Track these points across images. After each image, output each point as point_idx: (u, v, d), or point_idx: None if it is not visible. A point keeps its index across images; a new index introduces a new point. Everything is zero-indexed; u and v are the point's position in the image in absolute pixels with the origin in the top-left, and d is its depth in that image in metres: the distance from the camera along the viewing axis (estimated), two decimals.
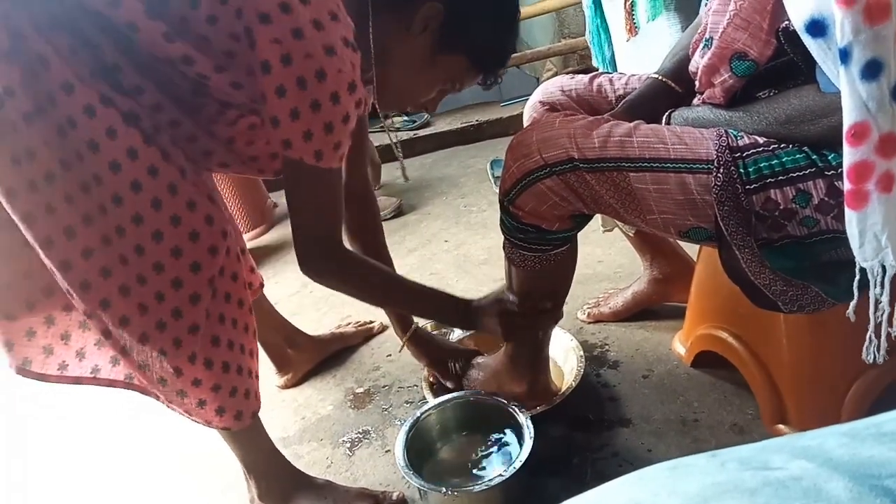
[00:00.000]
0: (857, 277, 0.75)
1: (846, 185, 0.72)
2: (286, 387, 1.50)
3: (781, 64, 0.85)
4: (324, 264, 0.98)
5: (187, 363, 0.91)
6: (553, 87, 1.24)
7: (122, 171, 0.82)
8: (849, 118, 0.69)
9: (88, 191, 0.81)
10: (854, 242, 0.74)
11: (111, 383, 0.96)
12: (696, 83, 0.96)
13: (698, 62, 0.94)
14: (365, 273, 1.05)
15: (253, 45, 0.80)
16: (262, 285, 1.42)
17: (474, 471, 1.10)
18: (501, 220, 1.02)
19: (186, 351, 0.90)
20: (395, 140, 1.23)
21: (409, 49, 0.96)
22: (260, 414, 1.42)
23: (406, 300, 1.14)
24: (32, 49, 0.76)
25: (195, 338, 0.90)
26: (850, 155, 0.70)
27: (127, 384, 0.97)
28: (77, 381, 0.96)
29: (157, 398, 0.97)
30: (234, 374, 0.97)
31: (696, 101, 1.01)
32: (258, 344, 1.06)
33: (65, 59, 0.79)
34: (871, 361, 0.79)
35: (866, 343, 0.79)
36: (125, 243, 0.84)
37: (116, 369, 0.95)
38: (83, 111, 0.79)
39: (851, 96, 0.68)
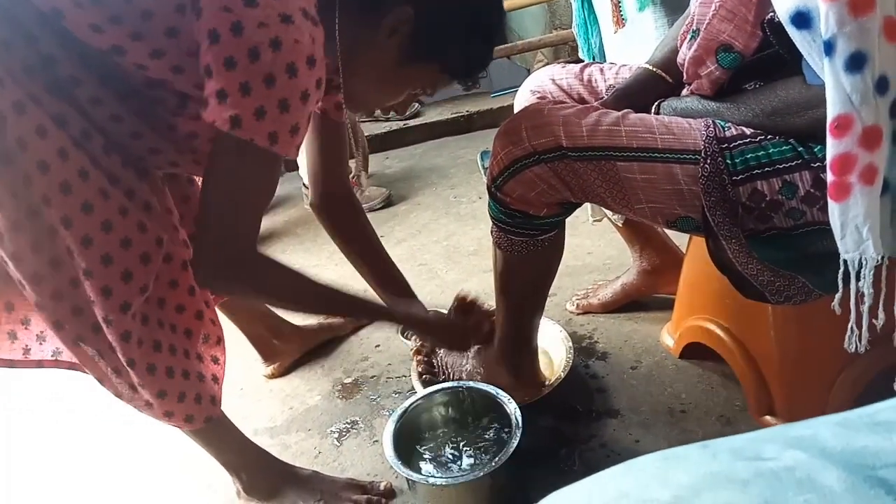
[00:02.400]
0: (842, 269, 0.75)
1: (829, 177, 0.72)
2: (273, 377, 1.49)
3: (768, 56, 0.85)
4: (234, 270, 0.84)
5: (126, 368, 0.89)
6: (544, 76, 1.23)
7: (51, 171, 0.78)
8: (832, 110, 0.69)
9: (28, 187, 0.78)
10: (836, 234, 0.74)
11: (71, 366, 0.95)
12: (684, 74, 0.96)
13: (685, 54, 0.93)
14: (279, 282, 0.92)
15: (199, 14, 0.74)
16: None
17: (462, 461, 1.09)
18: (489, 205, 1.02)
19: (123, 357, 0.88)
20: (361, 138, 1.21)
21: (376, 53, 0.91)
22: (247, 404, 1.42)
23: (324, 309, 1.06)
24: None
25: (129, 345, 0.88)
26: (833, 147, 0.70)
27: (84, 368, 0.94)
28: (39, 364, 0.94)
29: (110, 389, 0.94)
30: (180, 379, 0.95)
31: (684, 91, 1.01)
32: (224, 347, 1.05)
33: None
34: (852, 351, 0.80)
35: (848, 333, 0.79)
36: (56, 247, 0.81)
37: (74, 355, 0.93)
38: (13, 107, 0.75)
39: (835, 88, 0.68)
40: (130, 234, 0.85)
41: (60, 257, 0.81)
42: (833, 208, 0.73)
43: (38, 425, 1.52)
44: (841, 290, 0.77)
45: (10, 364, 0.94)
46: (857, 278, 0.75)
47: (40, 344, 0.93)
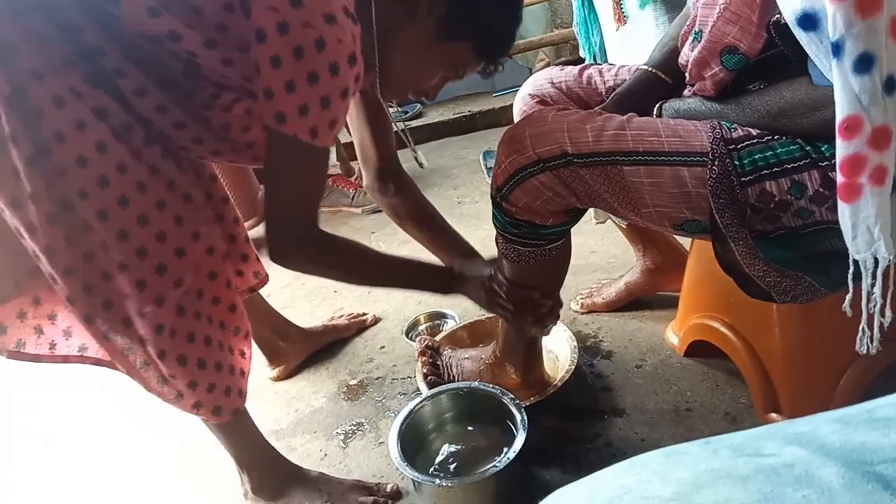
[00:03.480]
0: (851, 269, 0.75)
1: (839, 178, 0.71)
2: (278, 379, 1.50)
3: (772, 56, 0.85)
4: (300, 249, 0.93)
5: (157, 359, 0.91)
6: (542, 79, 1.23)
7: (89, 165, 0.80)
8: (841, 111, 0.69)
9: (64, 179, 0.80)
10: (847, 235, 0.74)
11: (97, 362, 0.96)
12: (687, 76, 0.96)
13: (688, 55, 0.93)
14: (342, 255, 1.00)
15: (248, 14, 0.77)
16: (267, 277, 1.39)
17: (468, 462, 1.10)
18: (494, 215, 1.01)
19: (155, 349, 0.90)
20: (404, 127, 1.21)
21: (412, 33, 0.92)
22: (252, 406, 1.42)
23: (387, 278, 1.11)
24: (1, 34, 0.75)
25: (161, 336, 0.89)
26: (842, 148, 0.70)
27: (113, 363, 0.96)
28: (65, 359, 0.96)
29: (140, 382, 0.96)
30: (213, 371, 0.96)
31: (686, 92, 1.00)
32: (250, 342, 1.06)
33: (34, 45, 0.77)
34: (864, 352, 0.80)
35: (859, 334, 0.79)
36: (90, 241, 0.83)
37: (103, 349, 0.94)
38: (52, 101, 0.77)
39: (844, 90, 0.68)
40: (166, 228, 0.87)
41: (94, 251, 0.83)
42: (843, 209, 0.73)
43: (44, 424, 1.53)
44: (851, 290, 0.77)
45: (37, 359, 0.95)
46: (870, 279, 0.74)
47: (67, 339, 0.95)
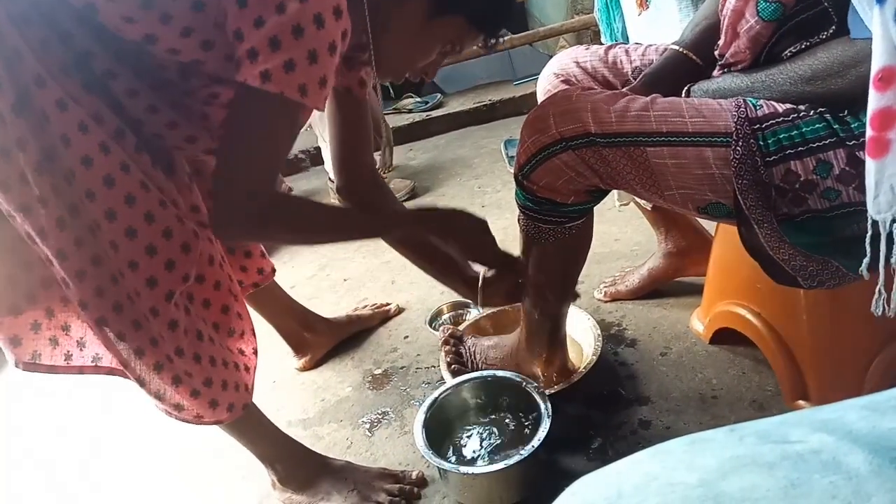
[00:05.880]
0: (870, 232, 0.73)
1: (868, 133, 0.69)
2: (304, 369, 1.52)
3: (811, 17, 0.82)
4: (259, 212, 0.83)
5: (174, 357, 0.91)
6: (567, 58, 1.22)
7: (94, 165, 0.81)
8: (878, 62, 0.66)
9: (71, 183, 0.81)
10: (869, 193, 0.71)
11: (111, 371, 0.96)
12: (722, 36, 0.93)
13: (728, 7, 0.90)
14: (296, 213, 0.91)
15: None
16: (273, 271, 1.41)
17: (493, 450, 1.10)
18: (516, 193, 1.01)
19: (172, 346, 0.90)
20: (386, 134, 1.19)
21: (405, 12, 0.92)
22: (279, 396, 1.45)
23: (333, 226, 0.98)
24: (8, 43, 0.75)
25: (176, 333, 0.90)
26: (875, 101, 0.67)
27: (124, 372, 0.95)
28: (80, 370, 0.96)
29: (149, 392, 0.95)
30: (221, 367, 0.97)
31: (716, 72, 0.99)
32: (241, 341, 1.07)
33: (36, 52, 0.77)
34: (879, 314, 0.77)
35: (875, 296, 0.77)
36: (98, 243, 0.83)
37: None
38: (56, 105, 0.78)
39: (883, 38, 0.66)
40: (171, 225, 0.88)
41: (101, 254, 0.84)
42: (870, 166, 0.70)
43: (76, 417, 1.57)
44: (869, 253, 0.75)
45: (53, 370, 0.95)
46: (889, 241, 0.72)
47: (80, 350, 0.95)
